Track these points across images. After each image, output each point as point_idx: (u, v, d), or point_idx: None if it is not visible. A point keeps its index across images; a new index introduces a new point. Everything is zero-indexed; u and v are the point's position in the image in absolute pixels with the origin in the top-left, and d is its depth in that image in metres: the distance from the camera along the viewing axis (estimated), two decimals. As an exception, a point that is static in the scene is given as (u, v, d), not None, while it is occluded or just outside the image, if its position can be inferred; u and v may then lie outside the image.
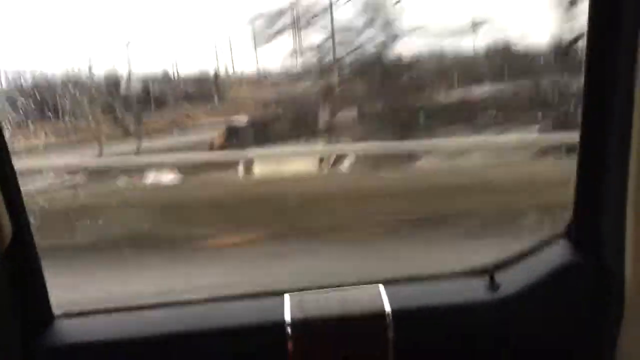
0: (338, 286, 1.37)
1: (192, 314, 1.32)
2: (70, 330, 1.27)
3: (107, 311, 1.31)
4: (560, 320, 1.29)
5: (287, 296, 1.31)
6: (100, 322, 1.30)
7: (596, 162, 1.24)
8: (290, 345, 1.24)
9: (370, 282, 1.36)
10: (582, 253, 1.31)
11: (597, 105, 1.21)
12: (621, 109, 1.16)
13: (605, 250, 1.26)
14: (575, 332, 1.29)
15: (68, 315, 1.30)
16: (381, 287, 1.34)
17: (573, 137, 1.29)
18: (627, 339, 1.22)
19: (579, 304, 1.29)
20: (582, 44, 1.23)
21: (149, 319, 1.30)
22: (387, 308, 1.28)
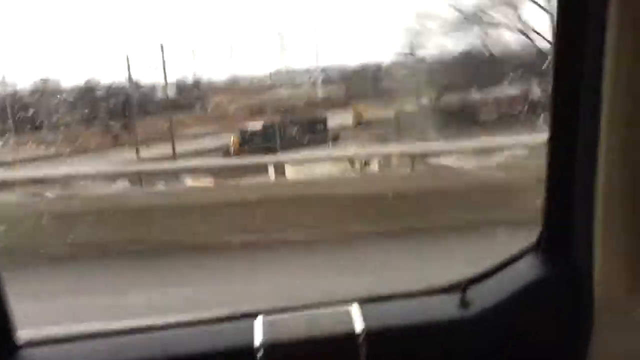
0: (308, 306, 1.35)
1: (162, 340, 1.30)
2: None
3: (73, 339, 1.30)
4: (533, 334, 1.27)
5: (258, 319, 1.29)
6: (66, 350, 1.29)
7: (564, 175, 1.23)
8: None
9: (343, 302, 1.34)
10: (553, 266, 1.29)
11: (564, 119, 1.20)
12: (588, 121, 1.15)
13: (576, 262, 1.25)
14: (547, 345, 1.27)
15: (33, 344, 1.29)
16: (353, 306, 1.31)
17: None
18: (597, 350, 1.21)
19: (550, 317, 1.27)
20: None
21: (116, 346, 1.29)
22: (359, 328, 1.25)
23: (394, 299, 1.37)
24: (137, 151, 9.41)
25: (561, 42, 1.18)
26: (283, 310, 1.33)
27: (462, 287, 1.32)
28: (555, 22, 1.18)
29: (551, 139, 1.23)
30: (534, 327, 1.27)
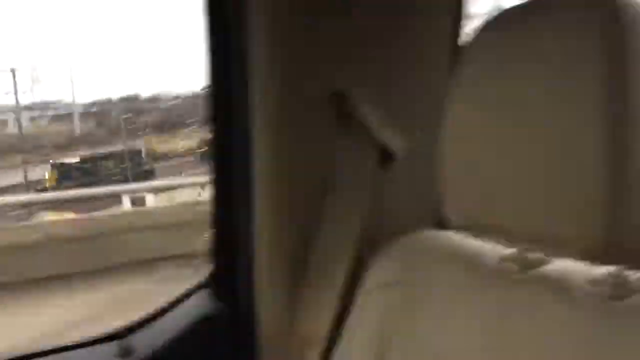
0: None
1: None
2: None
3: None
4: None
5: None
6: None
7: (226, 215, 1.19)
8: None
9: None
10: (220, 303, 1.20)
11: (220, 161, 1.17)
12: (241, 165, 1.12)
13: (240, 301, 1.18)
14: None
15: None
16: None
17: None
18: None
19: (217, 356, 1.19)
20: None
21: None
22: None
23: (49, 353, 1.19)
24: None
25: (212, 87, 1.14)
26: None
27: (121, 334, 1.18)
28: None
29: (212, 177, 1.18)
30: None
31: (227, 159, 1.16)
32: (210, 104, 1.14)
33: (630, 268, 0.67)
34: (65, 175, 13.44)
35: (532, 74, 0.70)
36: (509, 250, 0.78)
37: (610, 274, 0.68)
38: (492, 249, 0.80)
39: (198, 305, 1.21)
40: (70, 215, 7.51)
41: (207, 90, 1.13)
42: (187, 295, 1.23)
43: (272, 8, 1.04)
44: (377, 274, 0.97)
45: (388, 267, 0.96)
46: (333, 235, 1.11)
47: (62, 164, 13.84)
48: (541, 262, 0.75)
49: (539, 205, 0.68)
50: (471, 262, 0.83)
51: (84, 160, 13.61)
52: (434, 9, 1.15)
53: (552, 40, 0.69)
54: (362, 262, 1.04)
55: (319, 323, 1.10)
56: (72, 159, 13.91)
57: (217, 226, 1.20)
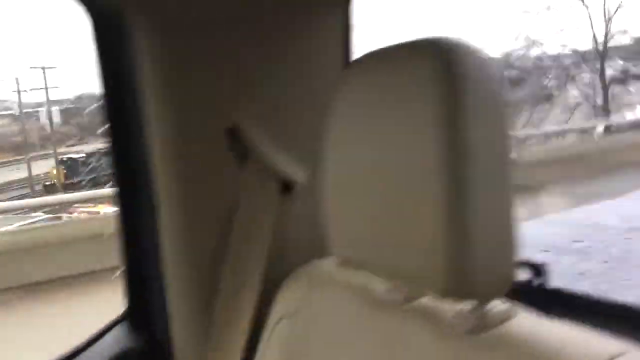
0: None
1: None
2: None
3: None
4: None
5: None
6: None
7: (134, 247, 1.18)
8: None
9: None
10: (138, 335, 1.21)
11: (125, 191, 1.16)
12: (146, 195, 1.11)
13: (157, 332, 1.18)
14: None
15: None
16: None
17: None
18: None
19: None
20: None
21: None
22: None
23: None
24: None
25: (110, 125, 1.13)
26: None
27: None
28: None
29: (118, 216, 1.17)
30: None
31: (132, 195, 1.15)
32: (109, 140, 1.13)
33: (481, 303, 0.69)
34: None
35: (384, 117, 0.71)
36: (390, 283, 0.81)
37: (471, 309, 0.70)
38: (379, 280, 0.83)
39: (116, 339, 1.21)
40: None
41: (105, 127, 1.12)
42: (105, 330, 1.23)
43: (160, 51, 1.03)
44: (281, 305, 1.02)
45: (290, 298, 1.01)
46: (240, 266, 1.11)
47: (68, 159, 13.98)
48: (420, 294, 0.79)
49: (396, 243, 0.70)
50: (362, 292, 0.87)
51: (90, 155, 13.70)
52: (323, 39, 1.13)
53: (396, 87, 0.69)
54: (269, 292, 1.06)
55: (231, 354, 1.10)
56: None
57: (128, 261, 1.19)
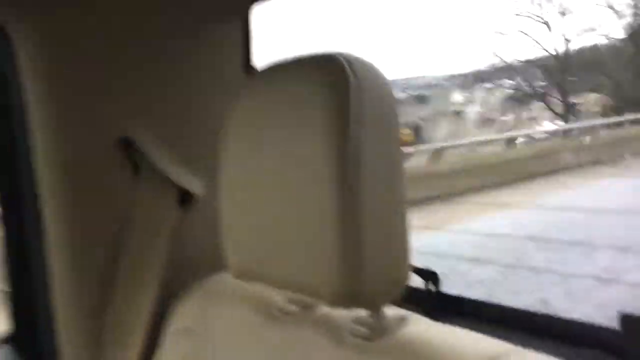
0: None
1: None
2: None
3: None
4: None
5: None
6: None
7: (20, 268, 1.12)
8: None
9: None
10: (22, 357, 1.13)
11: (11, 210, 1.11)
12: (32, 212, 1.06)
13: (44, 355, 1.12)
14: None
15: None
16: None
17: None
18: None
19: None
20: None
21: None
22: None
23: None
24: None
25: None
26: None
27: None
28: None
29: (5, 237, 1.12)
30: None
31: (18, 213, 1.09)
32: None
33: (374, 310, 0.71)
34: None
35: (279, 128, 0.71)
36: (286, 294, 0.81)
37: (366, 316, 0.71)
38: (276, 292, 0.83)
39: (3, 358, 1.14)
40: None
41: None
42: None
43: (45, 60, 0.99)
44: (177, 320, 1.00)
45: (186, 313, 0.99)
46: (133, 281, 1.07)
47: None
48: (316, 303, 0.79)
49: (290, 254, 0.70)
50: (258, 305, 0.87)
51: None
52: (220, 47, 1.12)
53: (291, 98, 0.70)
54: (164, 308, 1.03)
55: None
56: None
57: (13, 282, 1.12)
